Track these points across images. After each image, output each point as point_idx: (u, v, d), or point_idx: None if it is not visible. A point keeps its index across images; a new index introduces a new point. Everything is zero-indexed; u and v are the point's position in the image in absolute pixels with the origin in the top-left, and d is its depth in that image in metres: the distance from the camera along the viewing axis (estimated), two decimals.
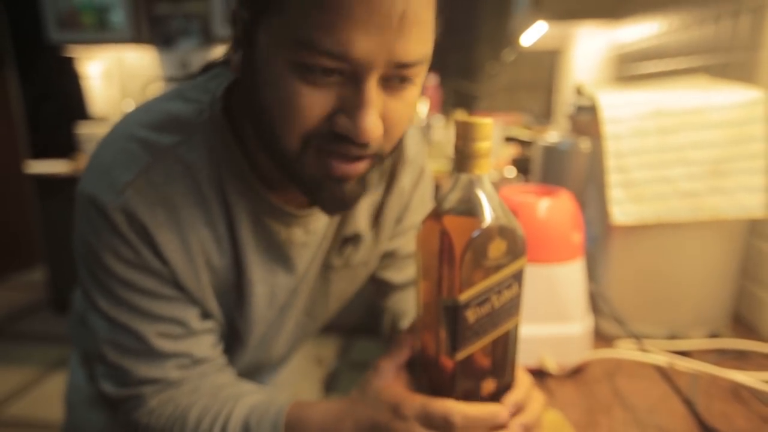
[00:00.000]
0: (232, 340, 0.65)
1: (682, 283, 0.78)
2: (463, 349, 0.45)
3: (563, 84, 2.69)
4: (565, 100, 2.61)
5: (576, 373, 0.70)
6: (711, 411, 0.61)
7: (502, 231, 0.44)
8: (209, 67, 0.61)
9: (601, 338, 0.79)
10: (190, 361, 0.57)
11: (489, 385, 0.48)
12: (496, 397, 0.48)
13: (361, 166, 0.48)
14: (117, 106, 3.16)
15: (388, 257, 0.76)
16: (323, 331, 0.82)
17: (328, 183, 0.48)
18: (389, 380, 0.50)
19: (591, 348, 0.73)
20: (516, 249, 0.45)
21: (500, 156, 2.05)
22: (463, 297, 0.43)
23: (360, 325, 2.71)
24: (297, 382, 0.93)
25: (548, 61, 2.82)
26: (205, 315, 0.59)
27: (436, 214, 0.46)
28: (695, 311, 0.79)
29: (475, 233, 0.43)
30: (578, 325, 0.70)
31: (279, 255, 0.61)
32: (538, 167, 1.25)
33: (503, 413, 0.46)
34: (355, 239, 0.68)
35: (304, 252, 0.63)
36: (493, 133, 0.45)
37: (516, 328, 0.48)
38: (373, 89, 0.43)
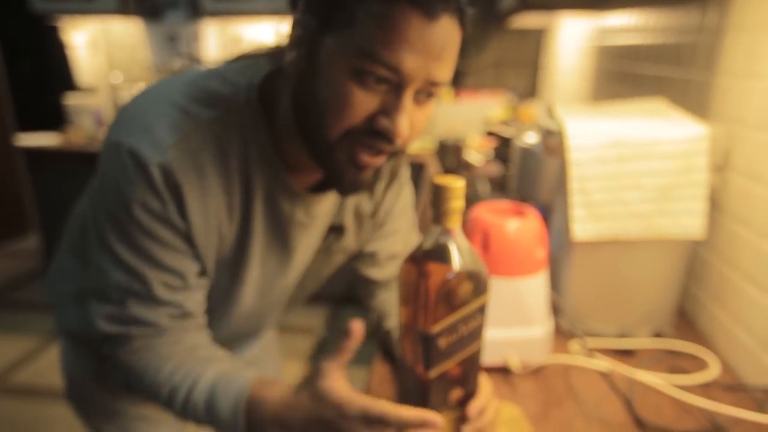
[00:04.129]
0: (220, 307, 0.72)
1: (633, 288, 0.89)
2: (435, 368, 0.55)
3: (549, 62, 2.75)
4: (549, 79, 2.67)
5: (536, 370, 0.82)
6: (645, 405, 0.74)
7: (470, 275, 0.54)
8: (247, 56, 0.68)
9: (561, 335, 0.90)
10: (180, 312, 0.63)
11: (457, 393, 0.59)
12: (463, 402, 0.59)
13: (380, 159, 0.58)
14: (104, 77, 3.15)
15: (370, 257, 0.85)
16: (312, 300, 0.93)
17: (350, 168, 0.57)
18: (333, 381, 0.56)
19: (551, 347, 0.84)
20: (480, 288, 0.55)
21: (478, 146, 2.12)
22: (435, 329, 0.53)
23: (347, 295, 2.83)
24: (266, 357, 1.05)
25: (534, 39, 2.86)
26: (202, 273, 0.66)
27: (414, 258, 0.55)
28: (643, 313, 0.91)
29: (448, 276, 0.53)
30: (539, 328, 0.82)
31: (280, 232, 0.69)
32: (515, 166, 1.34)
33: (435, 418, 0.55)
34: (338, 230, 0.77)
35: (301, 233, 0.71)
36: (463, 193, 0.54)
37: (480, 349, 0.58)
38: (409, 98, 0.54)
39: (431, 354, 0.54)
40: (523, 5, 1.82)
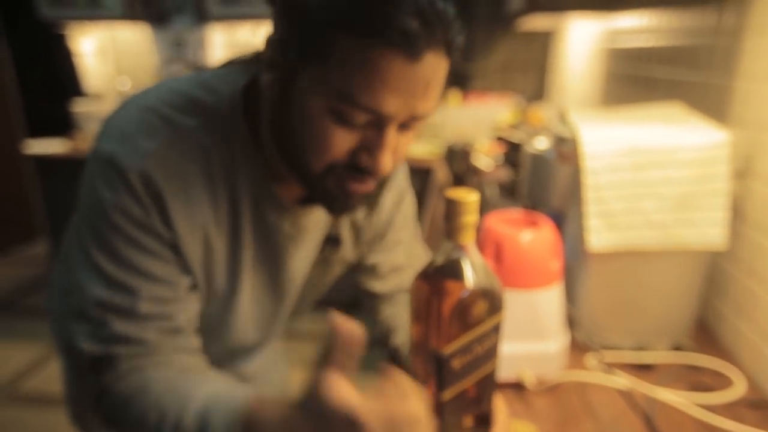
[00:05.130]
0: (212, 324, 0.69)
1: (650, 300, 0.86)
2: (448, 390, 0.52)
3: (557, 65, 2.71)
4: (558, 82, 2.64)
5: (552, 387, 0.79)
6: (666, 424, 0.71)
7: (484, 293, 0.51)
8: (232, 62, 0.66)
9: (577, 348, 0.87)
10: (170, 326, 0.59)
11: (471, 415, 0.56)
12: (478, 424, 0.57)
13: (371, 186, 0.57)
14: (111, 84, 3.15)
15: (372, 270, 0.82)
16: (319, 306, 0.90)
17: (341, 196, 0.56)
18: (336, 391, 0.46)
19: (567, 362, 0.81)
20: (495, 306, 0.52)
21: (487, 150, 2.10)
22: (448, 350, 0.51)
23: (355, 301, 2.81)
24: (267, 373, 0.99)
25: (542, 42, 2.83)
26: (193, 286, 0.63)
27: (426, 275, 0.53)
28: (661, 325, 0.88)
29: (462, 295, 0.50)
30: (555, 342, 0.79)
31: (269, 243, 0.67)
32: (526, 173, 1.31)
33: None
34: (334, 242, 0.75)
35: (290, 245, 0.69)
36: (477, 207, 0.52)
37: (495, 368, 0.56)
38: (392, 135, 0.52)
39: (444, 375, 0.51)
40: (531, 7, 1.79)
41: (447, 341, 0.51)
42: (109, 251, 0.56)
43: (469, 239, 0.51)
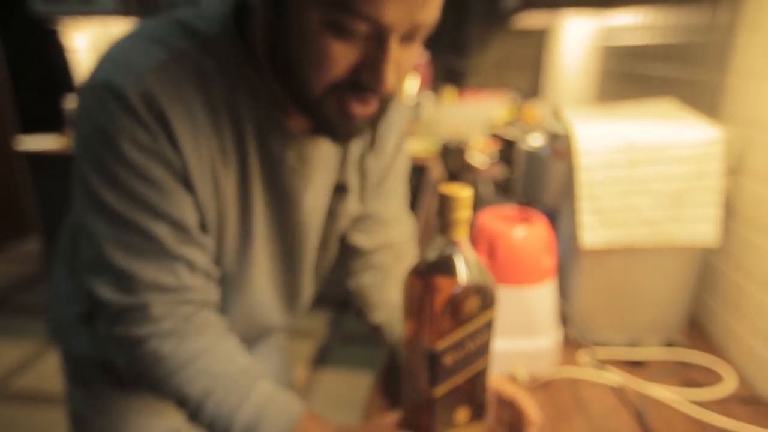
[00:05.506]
0: (228, 289, 0.65)
1: (643, 296, 0.86)
2: (441, 386, 0.53)
3: (552, 63, 2.71)
4: (553, 79, 2.64)
5: (544, 383, 0.79)
6: (658, 421, 0.71)
7: (477, 289, 0.51)
8: None
9: (569, 344, 0.87)
10: (196, 268, 0.57)
11: (464, 411, 0.56)
12: (471, 420, 0.57)
13: (373, 107, 0.54)
14: None
15: (363, 220, 0.78)
16: (314, 304, 0.86)
17: (342, 120, 0.54)
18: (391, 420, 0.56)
19: (559, 358, 0.81)
20: (487, 302, 0.52)
21: (482, 148, 2.10)
22: (440, 346, 0.51)
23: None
24: (272, 361, 0.97)
25: (537, 39, 2.83)
26: (204, 228, 0.59)
27: (419, 271, 0.53)
28: (653, 321, 0.88)
29: (454, 291, 0.50)
30: (547, 339, 0.79)
31: (276, 177, 0.62)
32: (521, 170, 1.32)
33: None
34: (341, 189, 0.71)
35: (298, 182, 0.64)
36: (471, 203, 0.51)
37: (488, 364, 0.56)
38: (394, 48, 0.49)
39: (436, 371, 0.52)
40: (526, 4, 1.79)
41: (439, 337, 0.51)
42: (116, 186, 0.52)
43: (462, 235, 0.51)
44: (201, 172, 0.55)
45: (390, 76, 0.50)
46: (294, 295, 0.76)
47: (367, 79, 0.50)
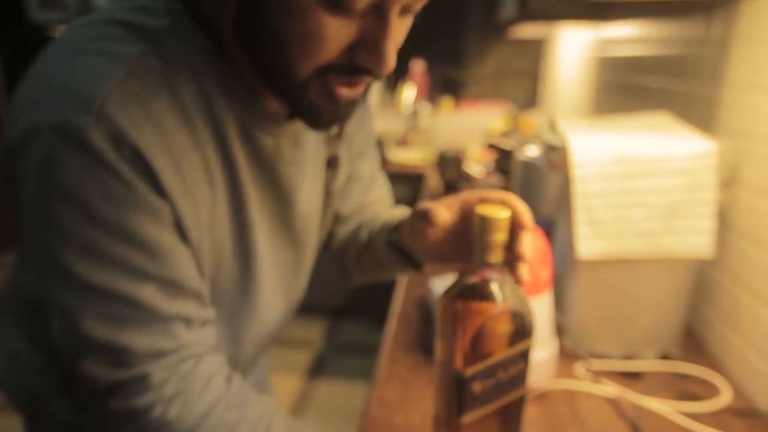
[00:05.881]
0: (235, 302, 0.57)
1: (639, 308, 0.86)
2: (468, 414, 0.50)
3: (549, 73, 2.73)
4: (550, 90, 2.66)
5: (540, 395, 0.79)
6: (654, 431, 0.71)
7: (513, 315, 0.49)
8: None
9: (565, 356, 0.87)
10: (191, 321, 0.49)
11: None
12: None
13: (360, 89, 0.49)
14: None
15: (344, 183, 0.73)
16: (310, 312, 0.83)
17: (327, 104, 0.48)
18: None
19: (555, 370, 0.81)
20: (524, 331, 0.50)
21: (479, 157, 2.11)
22: (469, 372, 0.49)
23: (346, 307, 2.80)
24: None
25: (534, 50, 2.85)
26: (199, 273, 0.50)
27: (451, 295, 0.51)
28: (649, 333, 0.88)
29: (488, 316, 0.49)
30: (543, 351, 0.79)
31: (271, 178, 0.55)
32: (517, 181, 1.32)
33: None
34: (334, 164, 0.66)
35: (295, 173, 0.58)
36: (507, 226, 0.49)
37: (522, 398, 0.53)
38: (395, 22, 0.43)
39: (464, 398, 0.50)
40: (522, 16, 1.80)
41: (469, 363, 0.49)
42: (94, 254, 0.43)
43: (498, 258, 0.49)
44: (192, 209, 0.47)
45: (391, 56, 0.44)
46: (298, 292, 0.70)
47: (365, 59, 0.44)
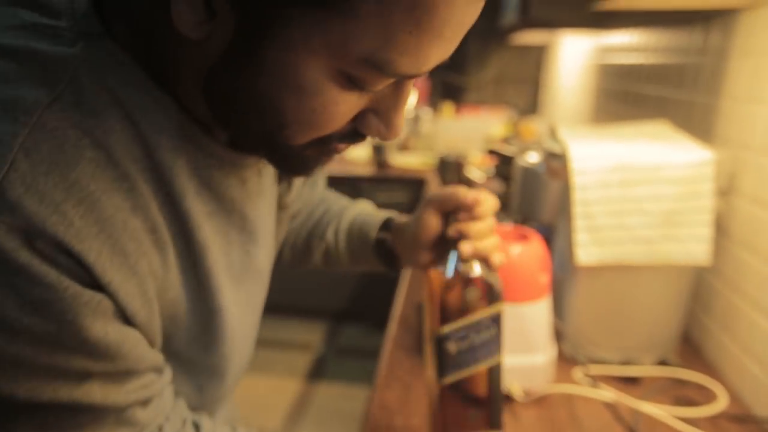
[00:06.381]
0: (205, 378, 0.50)
1: (637, 314, 0.88)
2: (448, 376, 0.55)
3: (550, 80, 2.75)
4: (551, 96, 2.67)
5: (539, 399, 0.80)
6: None
7: (479, 281, 0.55)
8: None
9: (564, 361, 0.88)
10: (149, 400, 0.43)
11: (479, 413, 0.57)
12: (487, 426, 0.57)
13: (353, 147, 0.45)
14: None
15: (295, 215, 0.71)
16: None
17: (317, 163, 0.43)
18: None
19: (553, 374, 0.82)
20: (492, 296, 0.55)
21: (479, 162, 2.12)
22: (445, 329, 0.54)
23: (347, 310, 2.81)
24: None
25: (535, 56, 2.87)
26: (151, 344, 0.43)
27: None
28: (647, 339, 0.89)
29: (448, 284, 0.55)
30: (542, 355, 0.80)
31: (239, 219, 0.48)
32: (517, 185, 1.33)
33: None
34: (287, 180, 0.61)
35: (260, 204, 0.52)
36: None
37: (499, 366, 0.56)
38: (410, 90, 0.40)
39: (442, 357, 0.55)
40: (524, 23, 1.82)
41: (442, 323, 0.55)
42: (15, 368, 0.34)
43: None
44: (138, 287, 0.38)
45: (402, 123, 0.40)
46: (259, 314, 0.63)
47: (374, 128, 0.40)
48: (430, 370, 0.58)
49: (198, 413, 0.50)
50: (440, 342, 0.54)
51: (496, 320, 0.55)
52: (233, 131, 0.42)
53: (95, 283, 0.35)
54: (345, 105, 0.37)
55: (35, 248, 0.31)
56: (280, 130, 0.38)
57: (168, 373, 0.45)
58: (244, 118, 0.39)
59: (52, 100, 0.33)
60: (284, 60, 0.34)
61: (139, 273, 0.38)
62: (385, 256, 0.67)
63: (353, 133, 0.40)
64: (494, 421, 0.58)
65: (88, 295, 0.34)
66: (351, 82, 0.35)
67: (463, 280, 0.54)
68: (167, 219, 0.41)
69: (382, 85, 0.36)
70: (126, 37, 0.38)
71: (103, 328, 0.36)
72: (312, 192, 0.74)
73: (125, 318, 0.38)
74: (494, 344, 0.56)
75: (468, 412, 0.57)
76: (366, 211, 0.71)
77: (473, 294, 0.55)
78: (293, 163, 0.43)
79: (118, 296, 0.37)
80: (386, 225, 0.67)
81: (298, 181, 0.63)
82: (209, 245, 0.45)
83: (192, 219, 0.43)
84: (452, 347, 0.54)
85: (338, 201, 0.75)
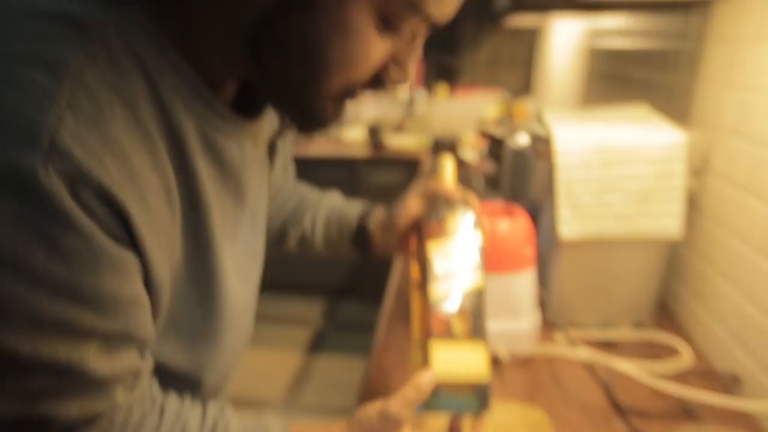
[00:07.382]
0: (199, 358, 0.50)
1: (615, 283, 0.95)
2: (430, 286, 0.58)
3: (542, 62, 2.79)
4: (543, 78, 2.72)
5: (524, 361, 0.88)
6: (623, 392, 0.80)
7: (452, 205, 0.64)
8: None
9: (547, 327, 0.96)
10: (129, 382, 0.42)
11: (463, 322, 0.59)
12: (470, 334, 0.60)
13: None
14: None
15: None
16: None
17: (333, 113, 0.47)
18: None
19: (537, 339, 0.90)
20: (472, 223, 0.63)
21: (473, 143, 2.18)
22: (430, 246, 0.61)
23: (345, 286, 2.89)
24: None
25: (528, 38, 2.91)
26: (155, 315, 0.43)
27: None
28: (624, 306, 0.97)
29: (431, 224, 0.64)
30: (527, 321, 0.87)
31: (237, 186, 0.50)
32: (507, 166, 1.39)
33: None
34: (273, 149, 0.62)
35: (256, 172, 0.54)
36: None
37: (481, 294, 0.60)
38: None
39: (426, 271, 0.60)
40: (516, 6, 1.86)
41: (426, 242, 0.62)
42: (26, 322, 0.33)
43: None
44: (159, 247, 0.40)
45: (412, 72, 0.47)
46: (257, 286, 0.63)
47: (394, 74, 0.46)
48: (415, 293, 0.62)
49: (165, 397, 0.48)
50: (426, 259, 0.60)
51: (477, 245, 0.62)
52: (271, 80, 0.44)
53: (126, 237, 0.36)
54: (379, 50, 0.42)
55: (78, 196, 0.33)
56: (320, 75, 0.42)
57: (149, 363, 0.44)
58: (289, 65, 0.42)
59: (90, 61, 0.35)
60: (338, 2, 0.39)
61: (159, 230, 0.40)
62: (361, 243, 0.74)
63: (375, 81, 0.46)
64: (480, 332, 0.59)
65: (115, 249, 0.35)
66: (387, 26, 0.41)
67: (443, 218, 0.62)
68: (177, 178, 0.42)
69: (410, 28, 0.42)
70: (149, 1, 0.40)
71: (121, 286, 0.37)
72: (285, 177, 0.76)
73: (145, 275, 0.39)
74: (475, 265, 0.61)
75: (451, 322, 0.60)
76: (341, 202, 0.79)
77: (454, 218, 0.63)
78: (313, 115, 0.46)
79: (146, 255, 0.38)
80: (364, 214, 0.75)
81: (279, 162, 0.66)
82: (212, 207, 0.46)
83: (199, 180, 0.44)
84: (438, 262, 0.60)
85: (311, 191, 0.81)
